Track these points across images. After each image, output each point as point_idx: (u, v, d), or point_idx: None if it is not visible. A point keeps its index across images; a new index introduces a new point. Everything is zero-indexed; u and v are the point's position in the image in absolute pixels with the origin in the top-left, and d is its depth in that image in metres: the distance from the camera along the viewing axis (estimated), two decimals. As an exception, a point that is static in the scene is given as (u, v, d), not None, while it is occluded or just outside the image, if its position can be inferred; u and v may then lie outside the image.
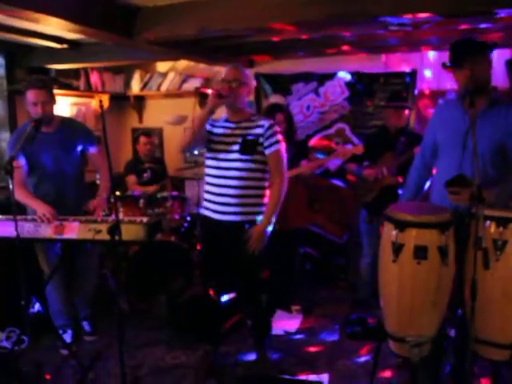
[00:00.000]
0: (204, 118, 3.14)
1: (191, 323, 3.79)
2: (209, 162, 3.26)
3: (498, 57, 4.86)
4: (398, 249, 2.48)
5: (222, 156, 3.18)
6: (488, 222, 2.45)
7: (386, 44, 4.74)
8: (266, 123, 3.16)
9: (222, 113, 3.31)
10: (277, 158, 3.19)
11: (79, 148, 3.74)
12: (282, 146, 3.21)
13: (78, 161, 3.78)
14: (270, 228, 3.19)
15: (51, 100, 3.53)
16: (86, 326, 4.00)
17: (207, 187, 3.28)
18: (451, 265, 2.49)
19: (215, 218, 3.22)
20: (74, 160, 3.72)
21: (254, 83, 5.51)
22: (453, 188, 2.52)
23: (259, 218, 3.21)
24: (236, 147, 3.14)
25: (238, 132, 3.19)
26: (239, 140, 3.15)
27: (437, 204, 2.78)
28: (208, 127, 3.29)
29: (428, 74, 5.14)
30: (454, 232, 2.52)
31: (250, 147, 3.13)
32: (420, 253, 2.43)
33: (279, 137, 3.20)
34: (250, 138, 3.14)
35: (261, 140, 3.13)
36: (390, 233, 2.53)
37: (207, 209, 3.28)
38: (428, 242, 2.43)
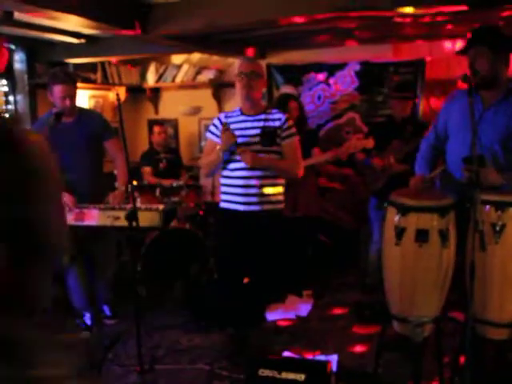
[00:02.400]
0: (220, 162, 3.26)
1: (214, 308, 3.91)
2: (230, 157, 3.28)
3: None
4: (400, 232, 2.59)
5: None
6: (488, 207, 2.55)
7: (396, 33, 4.81)
8: (282, 116, 3.30)
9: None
10: (294, 146, 3.32)
11: (97, 138, 3.87)
12: (297, 138, 3.35)
13: (96, 151, 3.91)
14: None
15: (76, 93, 3.70)
16: (106, 310, 4.16)
17: (229, 181, 3.31)
18: (452, 247, 2.59)
19: (241, 210, 3.27)
20: (91, 150, 3.84)
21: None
22: (470, 166, 2.56)
23: (280, 206, 3.34)
24: (257, 139, 3.23)
25: (257, 125, 3.27)
26: (259, 132, 3.24)
27: (439, 189, 2.89)
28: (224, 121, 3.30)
29: (437, 63, 5.18)
30: (455, 216, 2.62)
31: (270, 139, 3.23)
32: (421, 236, 2.53)
33: (294, 129, 3.34)
34: (269, 130, 3.24)
35: (278, 132, 3.25)
36: (392, 217, 2.64)
37: (230, 202, 3.32)
38: (429, 226, 2.53)
